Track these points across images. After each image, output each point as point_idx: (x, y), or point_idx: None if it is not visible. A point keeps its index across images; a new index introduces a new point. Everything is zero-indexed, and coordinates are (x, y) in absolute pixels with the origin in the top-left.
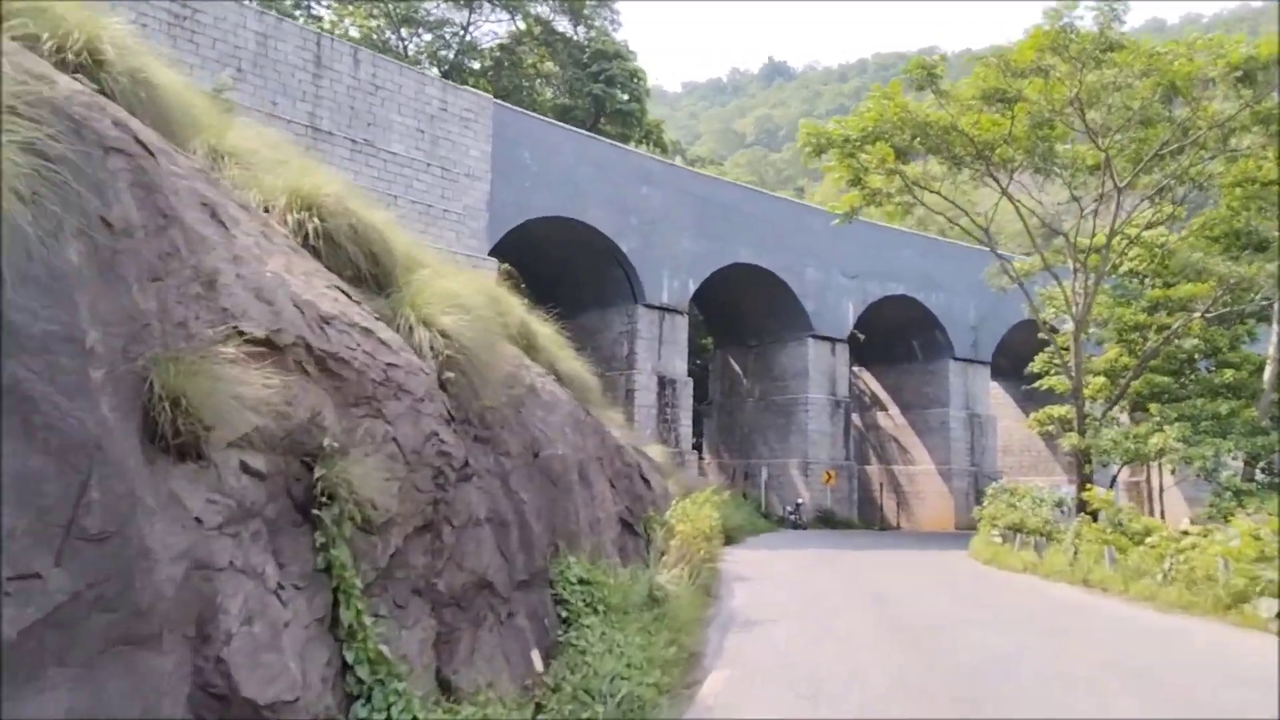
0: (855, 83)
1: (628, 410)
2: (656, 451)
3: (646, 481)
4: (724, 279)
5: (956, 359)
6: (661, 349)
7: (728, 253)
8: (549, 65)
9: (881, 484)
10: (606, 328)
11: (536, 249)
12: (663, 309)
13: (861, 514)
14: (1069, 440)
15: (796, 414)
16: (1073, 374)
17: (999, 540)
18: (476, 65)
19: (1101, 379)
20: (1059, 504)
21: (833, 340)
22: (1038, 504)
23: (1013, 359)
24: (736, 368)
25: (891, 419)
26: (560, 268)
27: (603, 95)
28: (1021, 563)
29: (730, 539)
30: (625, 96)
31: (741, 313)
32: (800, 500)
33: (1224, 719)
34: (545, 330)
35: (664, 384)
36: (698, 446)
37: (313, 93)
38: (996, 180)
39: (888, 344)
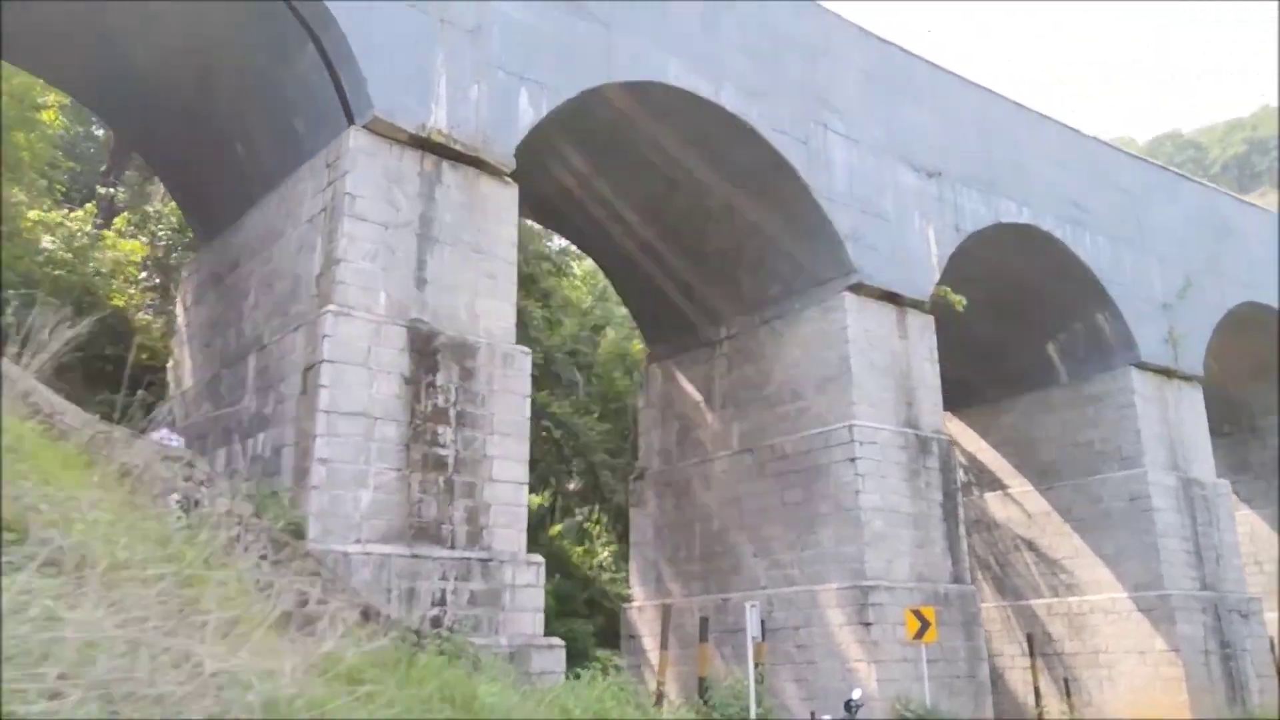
0: None
1: (298, 480)
2: None
3: None
4: (629, 127)
5: (1143, 367)
6: (428, 256)
7: (626, 50)
8: None
9: (1030, 637)
10: (284, 228)
11: None
12: (436, 145)
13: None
14: None
15: (828, 472)
16: None
17: None
18: None
19: None
20: None
21: (900, 300)
22: None
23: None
24: (690, 390)
25: (1017, 503)
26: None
27: None
28: None
29: None
30: None
31: (688, 239)
32: (855, 697)
33: None
34: None
35: (427, 361)
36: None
37: None
38: None
39: (993, 345)
